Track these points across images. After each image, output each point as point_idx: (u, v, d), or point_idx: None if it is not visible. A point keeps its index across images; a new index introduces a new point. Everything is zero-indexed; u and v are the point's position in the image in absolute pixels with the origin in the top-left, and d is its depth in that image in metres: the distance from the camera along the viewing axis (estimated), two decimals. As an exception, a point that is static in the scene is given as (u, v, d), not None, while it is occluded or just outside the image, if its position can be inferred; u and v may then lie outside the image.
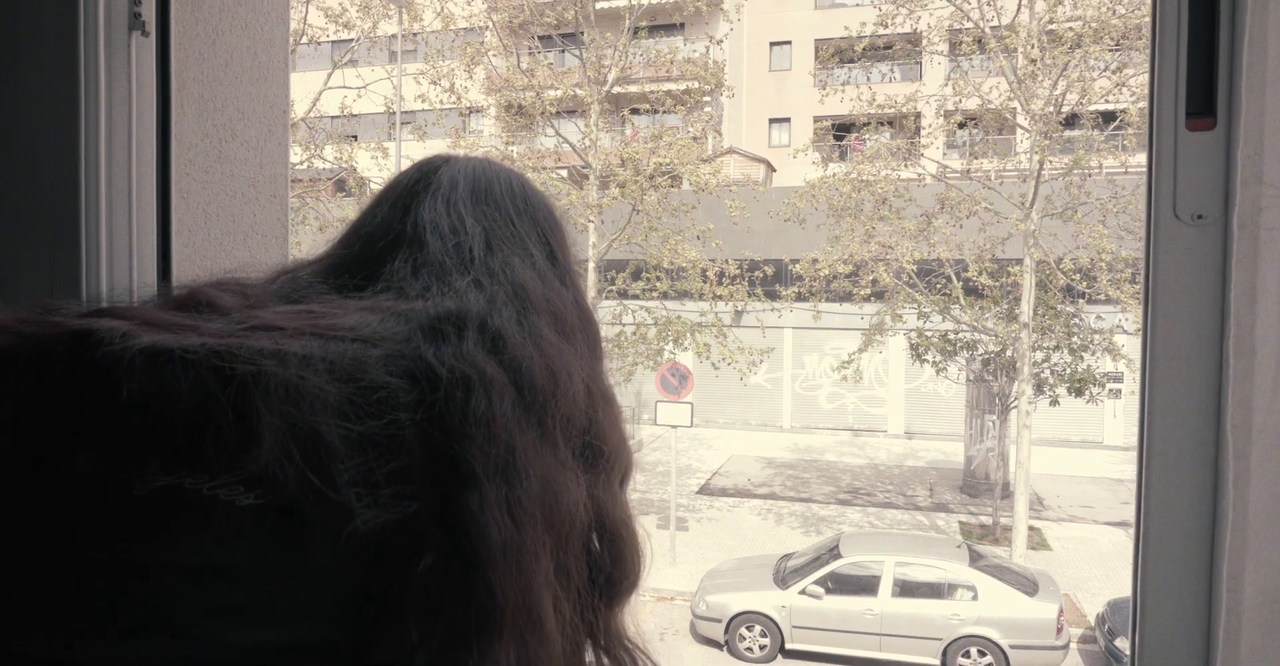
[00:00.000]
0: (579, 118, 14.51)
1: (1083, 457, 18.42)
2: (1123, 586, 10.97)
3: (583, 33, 14.01)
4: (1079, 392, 12.35)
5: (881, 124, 13.54)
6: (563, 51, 15.81)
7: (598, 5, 14.58)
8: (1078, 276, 12.23)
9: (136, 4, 1.10)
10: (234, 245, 1.28)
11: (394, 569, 0.56)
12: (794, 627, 9.80)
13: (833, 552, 10.36)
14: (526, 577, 0.60)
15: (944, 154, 15.86)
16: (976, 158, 13.24)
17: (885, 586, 9.73)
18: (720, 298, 13.88)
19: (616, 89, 14.46)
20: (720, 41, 14.58)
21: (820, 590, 9.81)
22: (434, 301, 0.68)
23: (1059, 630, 9.15)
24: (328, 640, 0.56)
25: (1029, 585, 9.67)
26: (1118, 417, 18.85)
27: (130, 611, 0.51)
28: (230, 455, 0.53)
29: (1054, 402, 12.74)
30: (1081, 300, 12.63)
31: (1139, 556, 0.94)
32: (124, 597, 0.51)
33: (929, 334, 13.56)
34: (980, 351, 13.50)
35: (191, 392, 0.53)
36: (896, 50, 13.89)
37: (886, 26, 13.12)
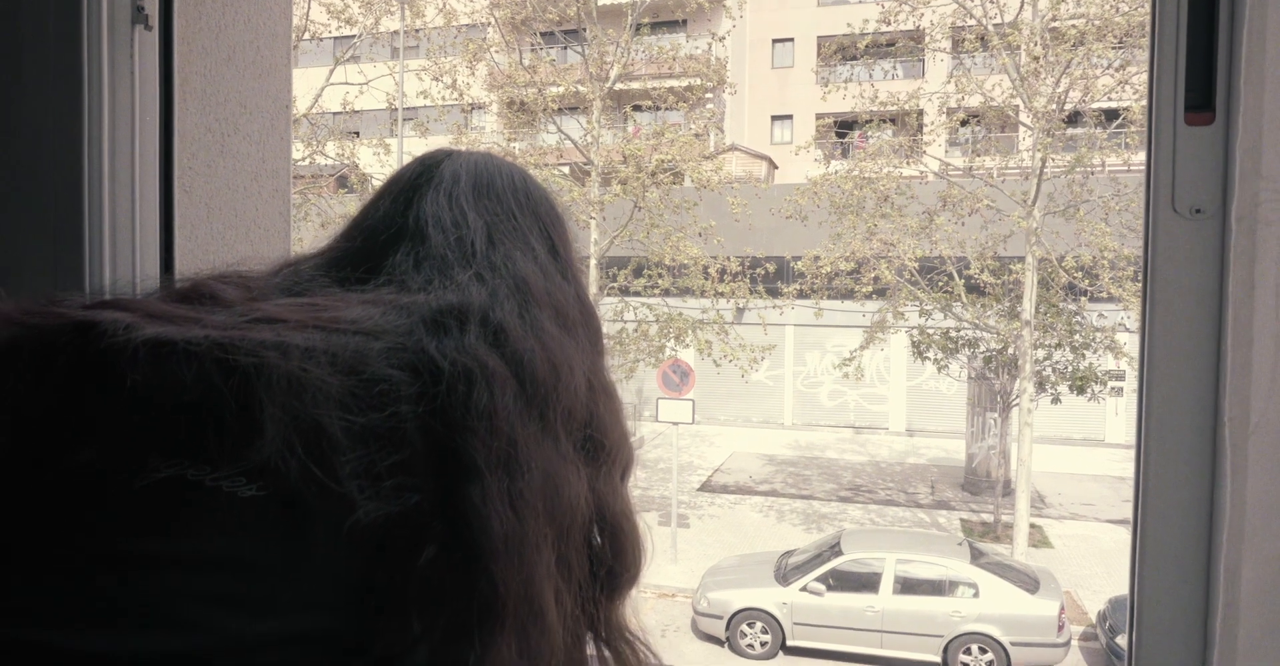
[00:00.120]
0: (581, 114, 14.50)
1: (1084, 455, 18.40)
2: (1124, 584, 10.95)
3: (585, 29, 13.99)
4: (1081, 390, 12.34)
5: (884, 121, 13.52)
6: (565, 48, 15.78)
7: (600, 1, 14.55)
8: (1080, 274, 12.22)
9: (139, -2, 1.11)
10: (236, 239, 1.28)
11: (396, 561, 0.57)
12: (795, 624, 9.80)
13: (834, 549, 10.36)
14: (528, 569, 0.61)
15: (946, 151, 15.85)
16: (979, 155, 13.22)
17: (886, 583, 9.74)
18: (722, 295, 13.87)
19: (619, 85, 14.44)
20: (723, 38, 14.55)
21: (821, 587, 9.82)
22: (436, 295, 0.68)
23: (1060, 627, 9.15)
24: (329, 631, 0.56)
25: (1030, 582, 9.67)
26: (1119, 415, 18.84)
27: (133, 602, 0.51)
28: (233, 447, 0.53)
29: (1056, 400, 12.73)
30: (1084, 298, 12.62)
31: (1137, 549, 0.94)
32: (126, 588, 0.51)
33: (931, 331, 13.55)
34: (982, 349, 13.48)
35: (195, 384, 0.54)
36: (899, 47, 13.86)
37: (889, 23, 13.10)
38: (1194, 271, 0.90)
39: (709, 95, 17.86)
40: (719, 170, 14.04)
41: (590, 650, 0.73)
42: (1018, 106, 12.72)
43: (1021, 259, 12.34)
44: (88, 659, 0.50)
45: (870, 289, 13.49)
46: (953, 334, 13.54)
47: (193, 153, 1.21)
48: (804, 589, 9.86)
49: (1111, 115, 12.99)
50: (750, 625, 9.91)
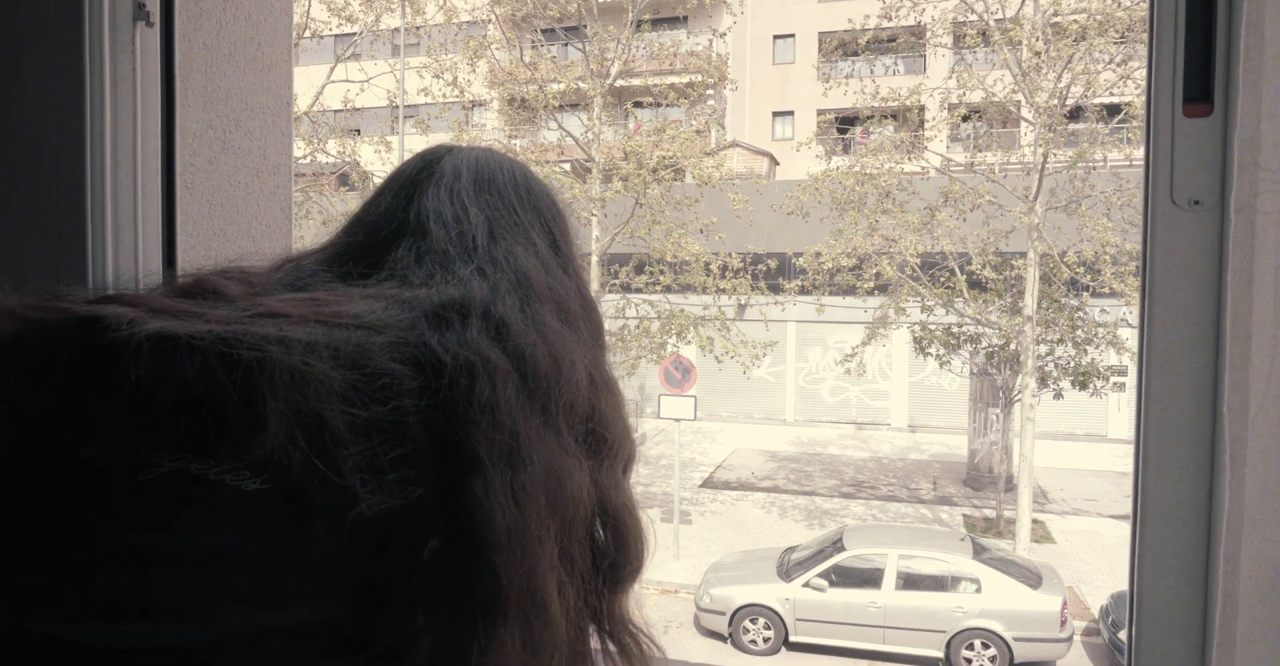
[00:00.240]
0: (582, 111, 14.48)
1: (1087, 451, 18.40)
2: (1126, 579, 10.97)
3: (585, 26, 13.97)
4: (1083, 386, 12.33)
5: (885, 117, 13.50)
6: (565, 45, 15.75)
7: (600, -2, 14.54)
8: (1082, 269, 12.20)
9: (140, -5, 1.11)
10: (238, 235, 1.29)
11: (399, 554, 0.57)
12: (798, 620, 9.81)
13: (836, 545, 10.37)
14: (531, 562, 0.61)
15: (948, 147, 15.81)
16: (980, 151, 13.19)
17: (889, 579, 9.74)
18: (723, 291, 13.85)
19: (619, 82, 14.42)
20: (723, 34, 14.53)
21: (824, 583, 9.82)
22: (438, 289, 0.68)
23: (1063, 622, 9.16)
24: (332, 624, 0.56)
25: (1033, 578, 9.68)
26: (1122, 411, 18.83)
27: (135, 595, 0.51)
28: (236, 440, 0.54)
29: (1058, 396, 12.72)
30: (1086, 293, 12.61)
31: (1136, 539, 0.94)
32: (129, 582, 0.51)
33: (932, 327, 13.54)
34: (984, 345, 13.47)
35: (198, 379, 0.54)
36: (900, 43, 13.86)
37: (890, 19, 13.08)
38: (1193, 263, 0.90)
39: (710, 91, 17.86)
40: (720, 166, 14.03)
41: (593, 642, 0.73)
42: (1019, 102, 12.70)
43: (1023, 254, 12.33)
44: (91, 651, 0.50)
45: (872, 285, 13.48)
46: (955, 330, 13.53)
47: (194, 149, 1.21)
48: (806, 585, 9.87)
49: (1113, 110, 12.96)
50: (753, 621, 9.92)
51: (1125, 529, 13.38)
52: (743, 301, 14.63)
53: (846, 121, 20.96)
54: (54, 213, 1.06)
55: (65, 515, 0.52)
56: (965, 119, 13.62)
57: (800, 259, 13.95)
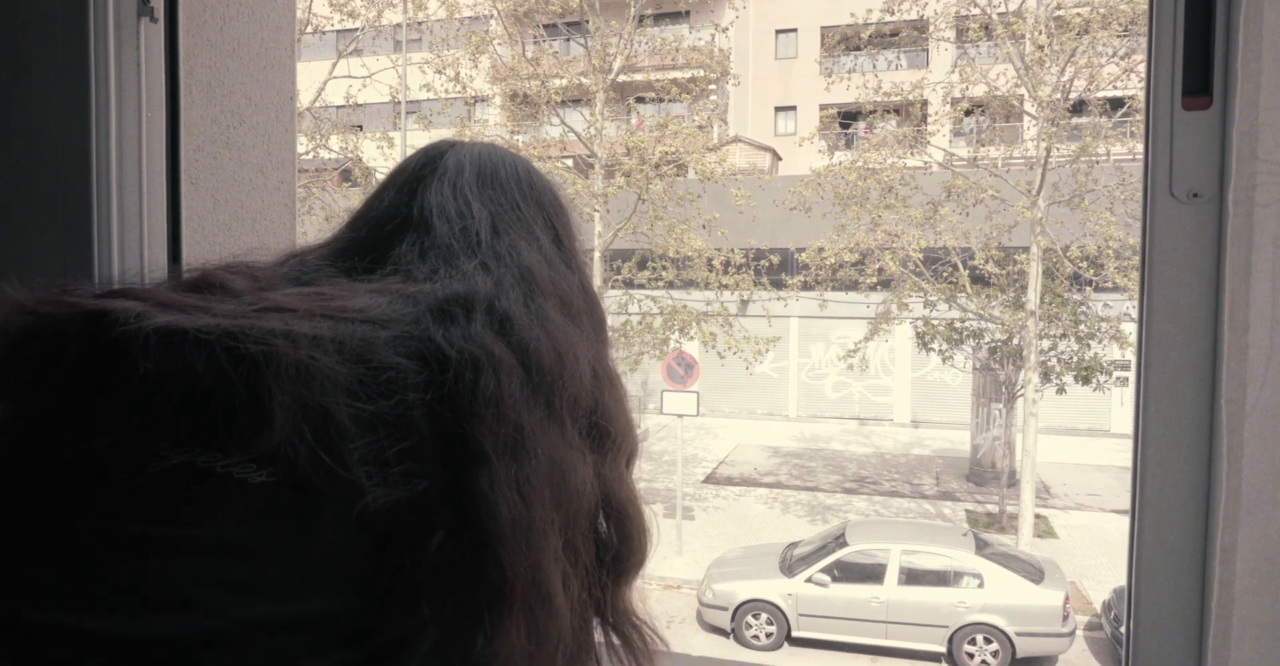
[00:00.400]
0: (584, 106, 14.45)
1: (1089, 446, 18.39)
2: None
3: (588, 21, 13.94)
4: (1086, 381, 12.31)
5: (888, 112, 13.47)
6: (568, 40, 15.75)
7: (602, -7, 14.50)
8: (1085, 264, 12.18)
9: (144, -10, 1.11)
10: (242, 230, 1.29)
11: (404, 546, 0.57)
12: (800, 615, 9.82)
13: (839, 541, 10.37)
14: (536, 554, 0.61)
15: (950, 141, 15.77)
16: (983, 145, 13.18)
17: (891, 574, 9.74)
18: (726, 287, 13.84)
19: (622, 77, 14.41)
20: (726, 29, 14.51)
21: (826, 578, 9.83)
22: (442, 284, 0.68)
23: (1065, 617, 9.16)
24: (337, 616, 0.56)
25: (1035, 572, 9.68)
26: (1125, 406, 18.80)
27: (142, 585, 0.52)
28: (243, 434, 0.54)
29: (1060, 391, 12.69)
30: (1088, 288, 12.58)
31: (1135, 530, 0.95)
32: (136, 572, 0.52)
33: (935, 322, 13.52)
34: (987, 340, 13.46)
35: (205, 372, 0.54)
36: (903, 37, 13.80)
37: (893, 13, 13.02)
38: (1191, 255, 0.90)
39: (712, 87, 17.83)
40: (723, 162, 14.01)
41: (597, 634, 0.74)
42: (1022, 96, 12.66)
43: (1026, 249, 12.31)
44: (98, 640, 0.50)
45: (875, 280, 13.46)
46: (957, 325, 13.51)
47: (198, 144, 1.21)
48: (809, 580, 9.88)
49: (1116, 104, 12.93)
50: (755, 616, 9.94)
51: (1127, 523, 13.36)
52: (745, 297, 14.62)
53: (849, 116, 20.91)
54: (60, 208, 1.06)
55: (72, 506, 0.52)
56: (968, 113, 13.59)
57: (803, 254, 13.94)
